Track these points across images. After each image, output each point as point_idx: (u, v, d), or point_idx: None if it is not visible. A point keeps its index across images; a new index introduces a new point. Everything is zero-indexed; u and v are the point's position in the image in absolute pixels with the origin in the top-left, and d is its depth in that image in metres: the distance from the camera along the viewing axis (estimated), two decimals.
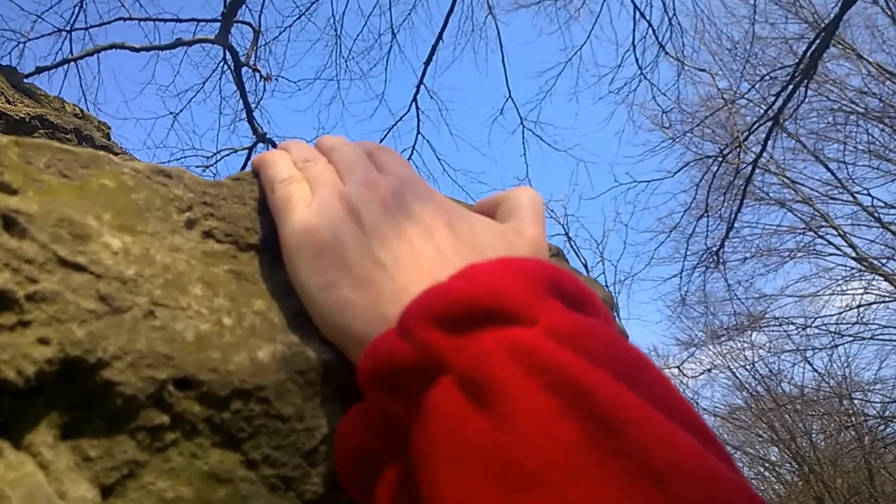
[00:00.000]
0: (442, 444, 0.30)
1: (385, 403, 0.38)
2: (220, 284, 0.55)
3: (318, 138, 0.67)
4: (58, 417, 0.46)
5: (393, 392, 0.37)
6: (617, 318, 0.72)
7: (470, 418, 0.30)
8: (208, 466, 0.49)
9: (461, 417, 0.30)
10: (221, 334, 0.51)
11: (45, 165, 0.52)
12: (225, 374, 0.50)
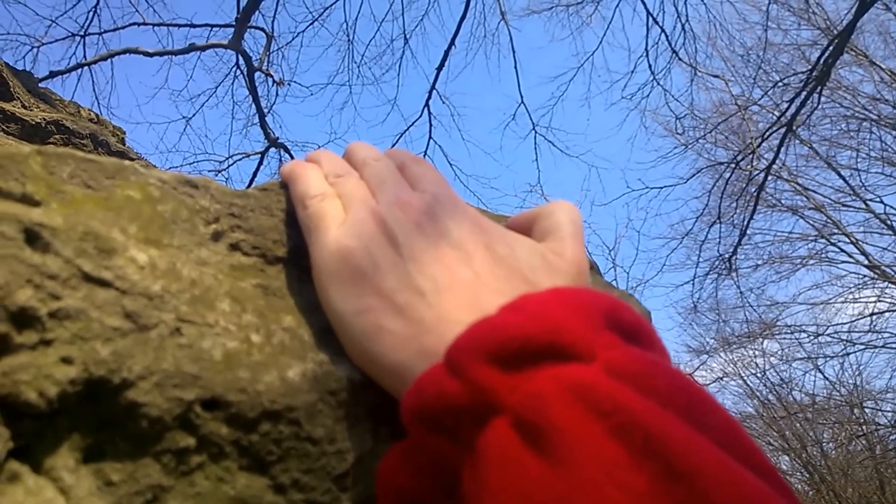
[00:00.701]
0: (497, 490, 0.28)
1: (432, 443, 0.36)
2: (248, 299, 0.53)
3: (347, 146, 0.64)
4: (80, 440, 0.44)
5: (441, 432, 0.35)
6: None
7: (528, 464, 0.28)
8: (235, 491, 0.47)
9: (518, 462, 0.28)
10: (250, 353, 0.49)
11: (69, 176, 0.51)
12: (254, 395, 0.48)
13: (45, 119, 1.76)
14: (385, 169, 0.53)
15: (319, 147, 0.80)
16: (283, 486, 0.48)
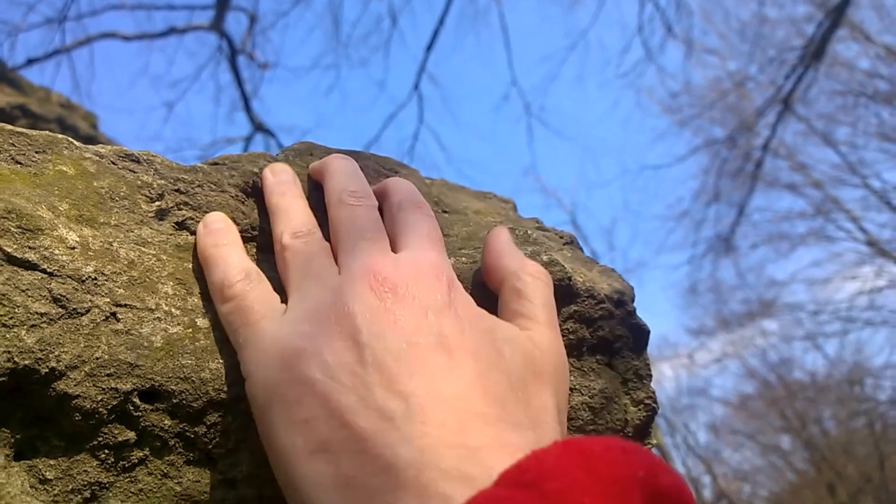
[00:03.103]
0: None
1: None
2: (195, 282, 0.49)
3: (326, 163, 0.53)
4: (9, 436, 0.40)
5: None
6: (635, 310, 0.66)
7: None
8: (181, 487, 0.44)
9: None
10: (195, 338, 0.46)
11: None
12: (198, 384, 0.44)
13: (9, 104, 1.72)
14: (363, 217, 0.45)
15: (303, 140, 0.69)
16: (233, 481, 0.45)
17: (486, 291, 0.57)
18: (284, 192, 0.51)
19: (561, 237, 0.71)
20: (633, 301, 0.66)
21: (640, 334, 0.66)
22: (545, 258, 0.61)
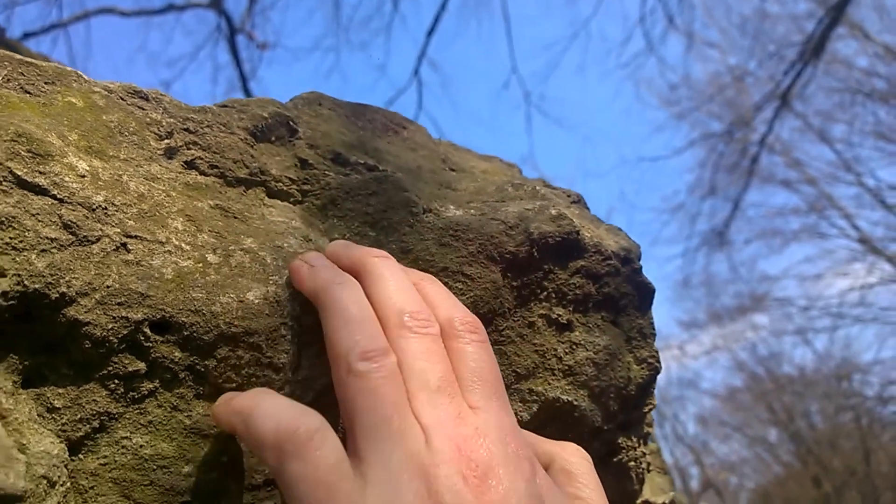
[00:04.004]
0: None
1: None
2: (205, 220, 0.49)
3: (362, 261, 0.47)
4: (18, 362, 0.40)
5: None
6: (641, 268, 0.66)
7: None
8: (191, 420, 0.43)
9: None
10: (205, 273, 0.45)
11: (5, 79, 0.46)
12: (209, 317, 0.43)
13: None
14: (434, 355, 0.42)
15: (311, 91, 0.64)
16: None
17: (516, 263, 0.56)
18: (341, 281, 0.44)
19: (568, 195, 0.71)
20: (639, 259, 0.66)
21: (646, 292, 0.66)
22: (553, 212, 0.60)
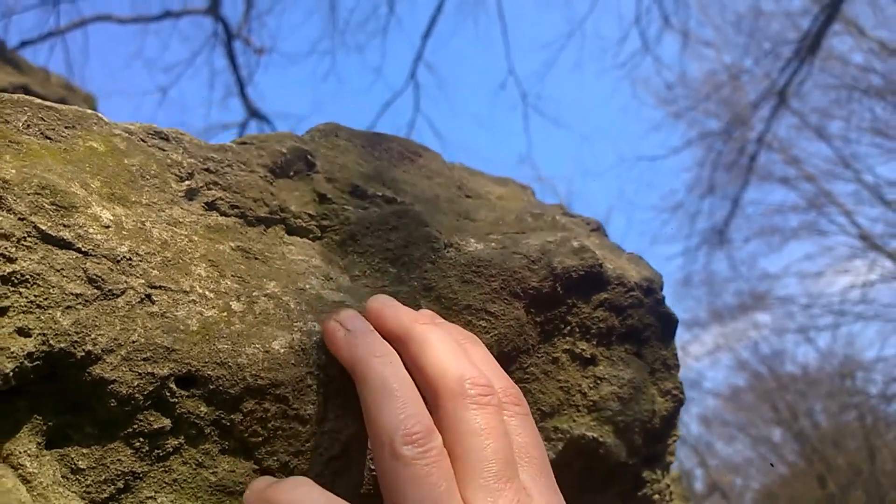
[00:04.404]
0: None
1: None
2: (227, 263, 0.48)
3: (407, 329, 0.45)
4: (42, 423, 0.39)
5: None
6: (664, 299, 0.65)
7: None
8: (216, 477, 0.42)
9: None
10: (230, 322, 0.44)
11: (25, 125, 0.45)
12: (235, 369, 0.43)
13: (11, 83, 1.69)
14: (495, 434, 0.40)
15: (327, 122, 0.62)
16: (270, 471, 0.44)
17: (540, 299, 0.56)
18: (381, 354, 0.42)
19: (588, 223, 0.70)
20: (661, 289, 0.65)
21: (669, 323, 0.65)
22: (575, 244, 0.60)
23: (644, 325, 0.63)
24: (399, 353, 0.43)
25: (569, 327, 0.59)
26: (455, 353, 0.42)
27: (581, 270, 0.58)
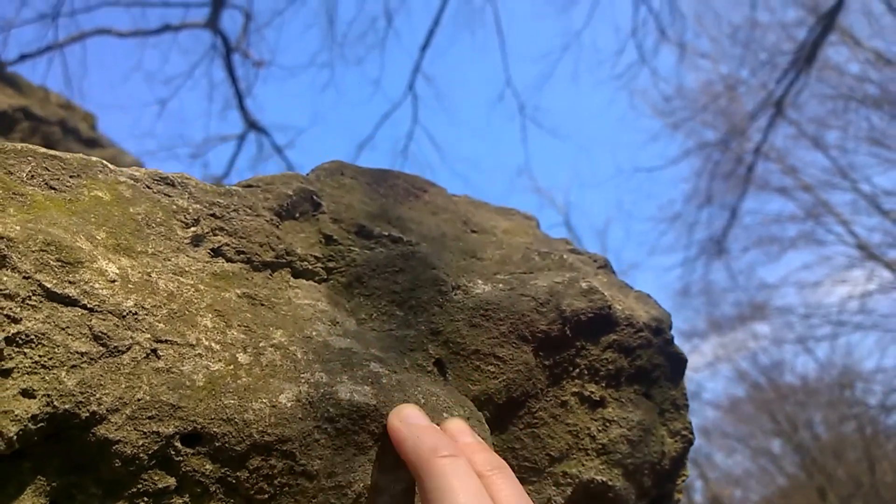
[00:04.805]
0: None
1: None
2: (233, 312, 0.47)
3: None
4: (46, 483, 0.38)
5: None
6: (672, 338, 0.65)
7: None
8: None
9: None
10: (237, 375, 0.44)
11: (29, 175, 0.44)
12: (241, 426, 0.42)
13: (11, 106, 1.68)
14: None
15: (333, 160, 0.61)
16: None
17: (548, 342, 0.55)
18: (451, 452, 0.42)
19: (595, 261, 0.70)
20: (670, 329, 0.64)
21: (678, 363, 0.64)
22: (584, 285, 0.59)
23: (653, 365, 0.62)
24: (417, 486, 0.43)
25: (577, 370, 0.58)
26: (477, 497, 0.40)
27: (590, 312, 0.57)
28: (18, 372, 0.37)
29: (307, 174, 0.62)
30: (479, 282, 0.58)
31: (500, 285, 0.58)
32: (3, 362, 0.37)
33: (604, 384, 0.59)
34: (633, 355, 0.61)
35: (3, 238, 0.39)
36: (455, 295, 0.56)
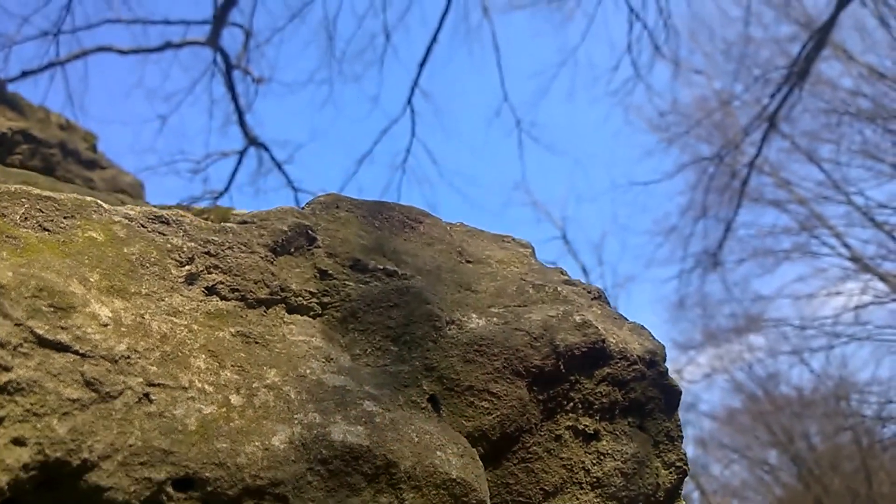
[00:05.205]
0: None
1: None
2: (227, 352, 0.47)
3: None
4: None
5: None
6: (667, 370, 0.65)
7: None
8: None
9: None
10: (229, 418, 0.44)
11: (23, 218, 0.45)
12: (234, 470, 0.42)
13: (11, 129, 1.67)
14: None
15: (328, 192, 0.61)
16: None
17: (542, 377, 0.55)
18: None
19: (589, 292, 0.70)
20: (664, 361, 0.64)
21: (672, 395, 0.64)
22: (577, 319, 0.59)
23: (647, 397, 0.62)
24: None
25: (572, 403, 0.58)
26: None
27: (584, 347, 0.57)
28: (10, 420, 0.37)
29: (303, 208, 0.62)
30: (474, 316, 0.58)
31: (495, 319, 0.58)
32: None
33: (598, 417, 0.59)
34: (628, 388, 0.61)
35: None
36: (449, 330, 0.56)
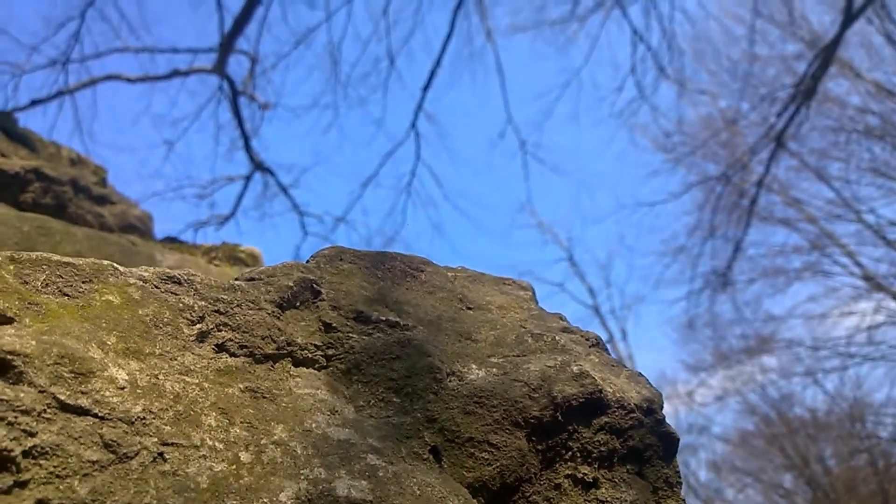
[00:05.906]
0: None
1: None
2: (236, 409, 0.49)
3: None
4: None
5: None
6: (664, 418, 0.66)
7: None
8: None
9: None
10: (239, 475, 0.46)
11: (44, 284, 0.47)
12: None
13: (23, 168, 1.72)
14: None
15: (332, 245, 0.64)
16: None
17: (541, 427, 0.56)
18: None
19: (587, 339, 0.72)
20: (661, 408, 0.66)
21: (670, 442, 0.66)
22: (575, 369, 0.61)
23: (645, 445, 0.64)
24: None
25: (570, 452, 0.60)
26: None
27: (581, 397, 0.59)
28: (35, 483, 0.39)
29: (307, 261, 0.65)
30: (474, 366, 0.60)
31: (494, 370, 0.60)
32: (20, 474, 0.39)
33: (596, 465, 0.61)
34: (625, 436, 0.62)
35: (20, 355, 0.41)
36: (450, 382, 0.58)
